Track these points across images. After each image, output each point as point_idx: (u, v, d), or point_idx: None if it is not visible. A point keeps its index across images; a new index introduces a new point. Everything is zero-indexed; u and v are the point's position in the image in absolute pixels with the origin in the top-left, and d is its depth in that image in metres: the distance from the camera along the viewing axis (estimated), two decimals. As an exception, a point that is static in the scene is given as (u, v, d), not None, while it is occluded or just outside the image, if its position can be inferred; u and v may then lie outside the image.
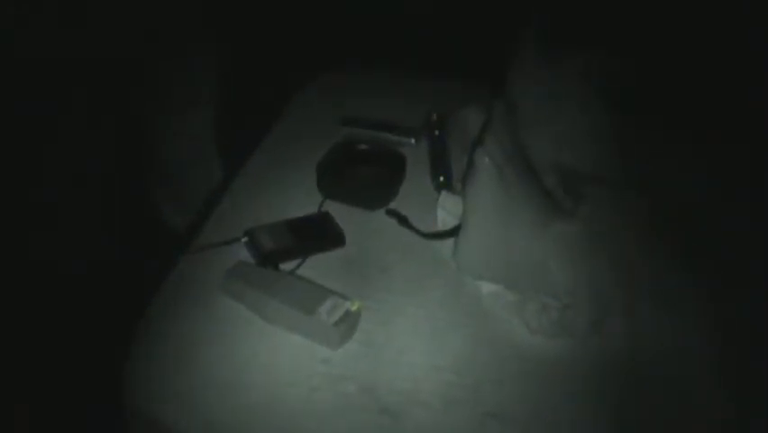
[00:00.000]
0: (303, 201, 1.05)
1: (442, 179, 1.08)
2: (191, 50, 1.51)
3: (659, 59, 1.00)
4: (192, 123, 1.60)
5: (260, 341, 0.84)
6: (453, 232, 0.96)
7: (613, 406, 0.78)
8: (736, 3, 1.04)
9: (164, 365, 0.82)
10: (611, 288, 0.85)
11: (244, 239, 0.96)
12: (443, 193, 1.04)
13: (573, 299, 0.85)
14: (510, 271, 0.89)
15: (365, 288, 0.91)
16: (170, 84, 1.51)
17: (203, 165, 1.63)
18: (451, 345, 0.85)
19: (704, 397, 0.77)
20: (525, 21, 1.01)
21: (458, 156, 1.07)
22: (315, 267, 0.94)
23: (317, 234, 0.99)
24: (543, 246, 0.86)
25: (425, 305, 0.90)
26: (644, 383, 0.80)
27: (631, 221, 0.89)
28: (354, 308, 0.84)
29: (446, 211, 1.01)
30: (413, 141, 1.19)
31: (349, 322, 0.83)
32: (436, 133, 1.17)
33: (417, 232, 1.01)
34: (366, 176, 1.08)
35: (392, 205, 1.06)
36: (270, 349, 0.83)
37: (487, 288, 0.91)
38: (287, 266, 0.94)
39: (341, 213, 1.03)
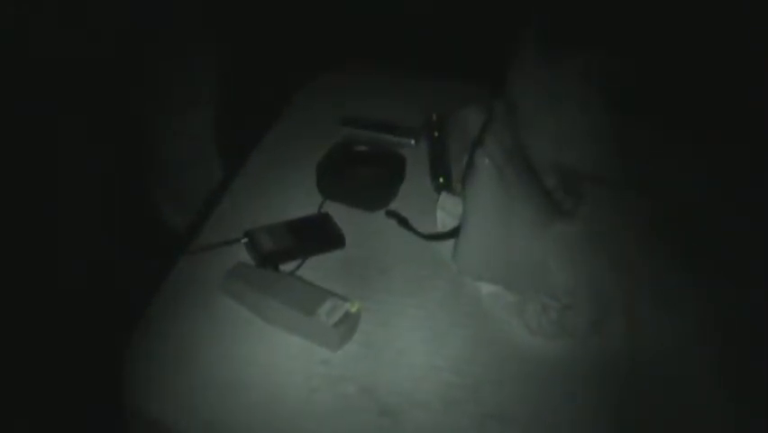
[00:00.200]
0: (303, 201, 1.05)
1: (441, 180, 1.08)
2: (191, 50, 1.51)
3: (659, 59, 1.00)
4: (192, 123, 1.60)
5: (260, 341, 0.84)
6: (453, 233, 0.96)
7: (613, 406, 0.78)
8: (735, 3, 1.04)
9: (164, 365, 0.82)
10: (611, 288, 0.85)
11: (244, 240, 0.96)
12: (443, 194, 1.04)
13: (573, 300, 0.85)
14: (510, 271, 0.89)
15: (365, 289, 0.91)
16: (170, 84, 1.51)
17: (203, 165, 1.62)
18: (450, 345, 0.85)
19: (704, 397, 0.77)
20: (525, 21, 1.01)
21: (458, 157, 1.07)
22: (315, 268, 0.94)
23: (317, 236, 0.99)
24: (543, 246, 0.86)
25: (425, 306, 0.90)
26: (644, 383, 0.80)
27: (631, 221, 0.89)
28: (354, 309, 0.84)
29: (446, 212, 1.01)
30: (413, 141, 1.19)
31: (349, 323, 0.83)
32: (436, 133, 1.17)
33: (417, 233, 1.01)
34: (366, 177, 1.08)
35: (392, 206, 1.06)
36: (270, 349, 0.83)
37: (486, 288, 0.91)
38: (286, 267, 0.94)
39: (340, 214, 1.02)
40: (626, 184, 0.93)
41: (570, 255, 0.86)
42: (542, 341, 0.86)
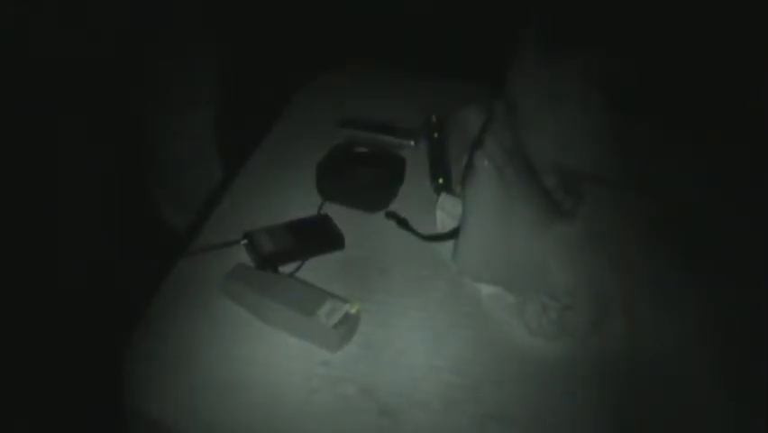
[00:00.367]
0: (303, 202, 1.05)
1: (441, 180, 1.08)
2: (191, 50, 1.51)
3: (659, 59, 1.00)
4: (192, 123, 1.60)
5: (260, 342, 0.84)
6: (453, 234, 0.96)
7: (613, 406, 0.78)
8: (735, 3, 1.04)
9: (164, 365, 0.82)
10: (611, 288, 0.85)
11: (244, 241, 0.96)
12: (443, 195, 1.04)
13: (573, 300, 0.85)
14: (510, 271, 0.89)
15: (364, 290, 0.91)
16: (170, 84, 1.51)
17: (203, 165, 1.62)
18: (450, 346, 0.85)
19: (704, 397, 0.77)
20: (525, 21, 1.01)
21: (457, 157, 1.07)
22: (315, 269, 0.94)
23: (317, 237, 0.99)
24: (543, 247, 0.86)
25: (425, 306, 0.90)
26: (644, 383, 0.80)
27: (631, 221, 0.89)
28: (354, 310, 0.84)
29: (446, 213, 1.01)
30: (412, 143, 1.19)
31: (348, 324, 0.83)
32: (435, 134, 1.17)
33: (417, 234, 1.01)
34: (365, 178, 1.08)
35: (392, 207, 1.05)
36: (270, 350, 0.83)
37: (486, 289, 0.91)
38: (286, 268, 0.94)
39: (340, 215, 1.02)
40: (626, 184, 0.93)
41: (570, 255, 0.86)
42: (542, 341, 0.86)
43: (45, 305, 1.34)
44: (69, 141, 1.37)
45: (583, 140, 0.96)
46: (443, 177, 1.09)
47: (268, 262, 0.93)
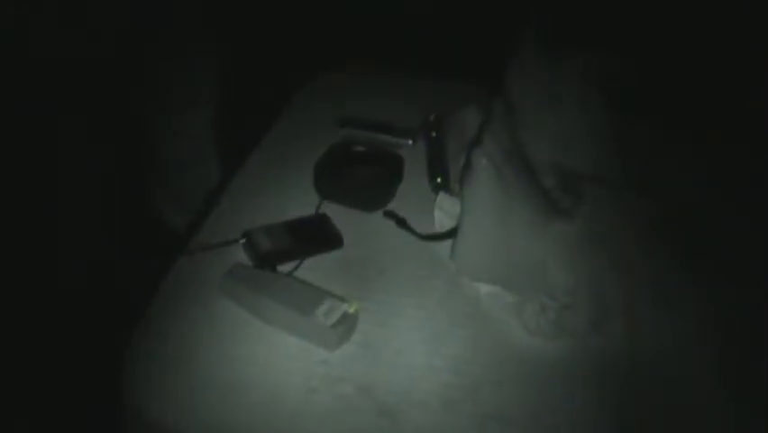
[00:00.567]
0: (302, 201, 1.05)
1: (439, 180, 1.08)
2: (191, 50, 1.51)
3: (659, 59, 1.00)
4: (192, 123, 1.60)
5: (260, 341, 0.84)
6: (451, 233, 0.96)
7: (613, 407, 0.78)
8: (735, 3, 1.04)
9: (164, 365, 0.82)
10: (611, 288, 0.85)
11: (242, 241, 0.96)
12: (441, 194, 1.04)
13: (573, 300, 0.85)
14: (508, 271, 0.89)
15: (363, 289, 0.91)
16: (170, 84, 1.51)
17: (203, 165, 1.62)
18: (449, 345, 0.85)
19: (704, 397, 0.77)
20: (525, 21, 1.01)
21: (455, 157, 1.07)
22: (313, 268, 0.94)
23: (315, 236, 0.99)
24: (541, 246, 0.86)
25: (424, 306, 0.90)
26: (644, 383, 0.80)
27: (631, 221, 0.89)
28: (352, 309, 0.84)
29: (444, 212, 1.01)
30: (410, 142, 1.19)
31: (347, 324, 0.83)
32: (434, 134, 1.17)
33: (415, 233, 1.01)
34: (364, 177, 1.08)
35: (390, 206, 1.06)
36: (269, 350, 0.83)
37: (485, 289, 0.91)
38: (285, 268, 0.94)
39: (338, 214, 1.02)
40: (626, 184, 0.93)
41: (569, 255, 0.86)
42: (541, 341, 0.85)
43: (45, 305, 1.34)
44: (69, 141, 1.37)
45: (583, 140, 0.96)
46: (442, 176, 1.08)
47: (266, 262, 0.93)
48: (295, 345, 0.83)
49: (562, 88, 0.97)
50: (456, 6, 1.81)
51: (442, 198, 1.03)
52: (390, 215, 1.04)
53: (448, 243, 0.96)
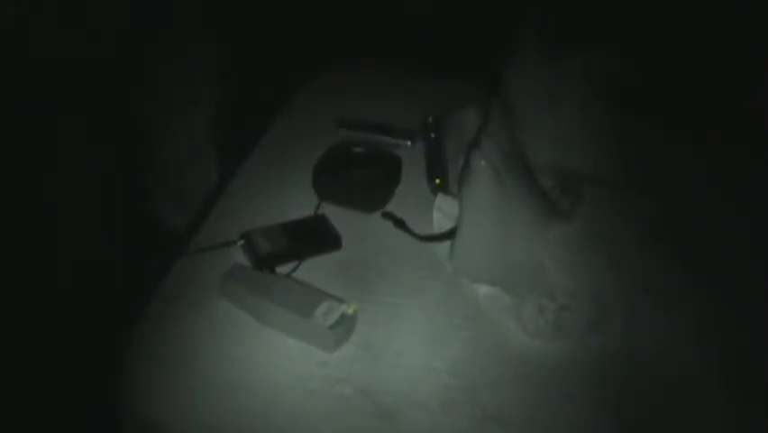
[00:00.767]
0: (302, 201, 1.05)
1: (438, 181, 1.08)
2: (191, 50, 1.51)
3: (659, 59, 1.00)
4: (192, 123, 1.60)
5: (260, 342, 0.84)
6: (450, 234, 0.96)
7: (612, 407, 0.78)
8: (735, 3, 1.04)
9: (164, 365, 0.82)
10: (611, 288, 0.85)
11: (241, 242, 0.96)
12: (440, 195, 1.03)
13: (572, 300, 0.85)
14: (508, 272, 0.89)
15: (362, 290, 0.91)
16: (170, 84, 1.51)
17: (203, 165, 1.63)
18: (448, 347, 0.85)
19: (704, 397, 0.77)
20: (525, 21, 1.01)
21: (454, 158, 1.07)
22: (312, 270, 0.94)
23: (314, 237, 0.99)
24: (540, 248, 0.86)
25: (422, 307, 0.90)
26: (644, 383, 0.80)
27: (631, 221, 0.89)
28: (351, 310, 0.84)
29: (442, 213, 1.00)
30: (409, 143, 1.19)
31: (345, 325, 0.83)
32: (432, 135, 1.17)
33: (414, 234, 1.00)
34: (362, 178, 1.08)
35: (388, 207, 1.05)
36: (269, 350, 0.83)
37: (484, 290, 0.91)
38: (283, 269, 0.94)
39: (337, 215, 1.02)
40: (626, 184, 0.93)
41: (568, 256, 0.86)
42: (540, 343, 0.85)
43: (45, 305, 1.34)
44: (69, 141, 1.37)
45: (583, 140, 0.96)
46: (440, 177, 1.08)
47: (265, 263, 0.93)
48: (295, 345, 0.83)
49: (562, 88, 0.97)
50: (456, 6, 1.81)
51: (440, 199, 1.02)
52: (389, 216, 1.04)
53: (447, 244, 0.96)
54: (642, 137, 0.97)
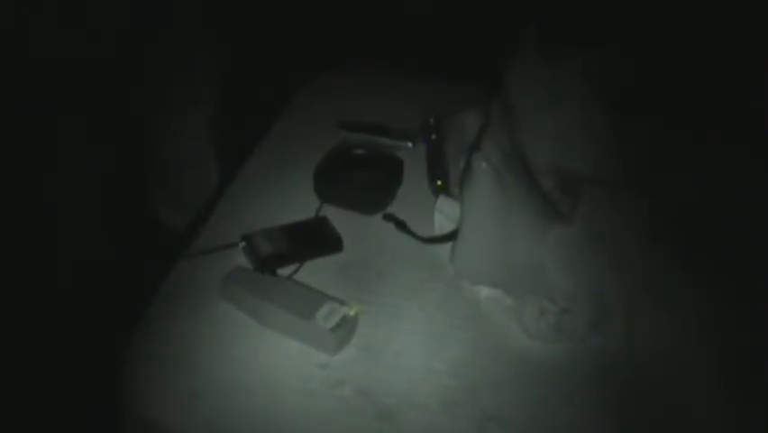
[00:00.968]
0: (302, 202, 1.05)
1: (439, 182, 1.08)
2: (191, 50, 1.51)
3: (659, 59, 1.00)
4: (192, 123, 1.60)
5: (260, 343, 0.84)
6: (451, 236, 0.96)
7: (612, 408, 0.78)
8: (735, 3, 1.04)
9: (164, 366, 0.82)
10: (611, 288, 0.85)
11: (242, 244, 0.95)
12: (441, 197, 1.03)
13: (573, 302, 0.85)
14: (509, 274, 0.88)
15: (363, 292, 0.91)
16: (170, 84, 1.51)
17: (203, 165, 1.63)
18: (449, 348, 0.85)
19: (704, 397, 0.77)
20: (525, 21, 1.01)
21: (455, 159, 1.07)
22: (313, 272, 0.94)
23: (315, 239, 0.99)
24: (541, 249, 0.86)
25: (423, 309, 0.90)
26: (644, 383, 0.80)
27: (631, 221, 0.89)
28: (352, 312, 0.84)
29: (444, 215, 1.00)
30: (410, 144, 1.19)
31: (347, 327, 0.83)
32: (433, 136, 1.17)
33: (415, 236, 1.00)
34: (363, 180, 1.08)
35: (390, 209, 1.05)
36: (270, 351, 0.83)
37: (485, 292, 0.91)
38: (284, 271, 0.94)
39: (338, 217, 1.02)
40: (626, 184, 0.93)
41: (569, 257, 0.86)
42: (540, 344, 0.85)
43: (45, 305, 1.34)
44: (69, 141, 1.37)
45: (583, 140, 0.96)
46: (442, 179, 1.08)
47: (266, 265, 0.93)
48: (295, 346, 0.83)
49: (562, 88, 0.97)
50: (456, 6, 1.81)
51: (442, 201, 1.02)
52: (390, 218, 1.03)
53: (448, 245, 0.96)
54: (642, 137, 0.97)
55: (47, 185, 1.37)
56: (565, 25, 1.01)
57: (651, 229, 0.89)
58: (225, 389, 0.79)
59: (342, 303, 0.84)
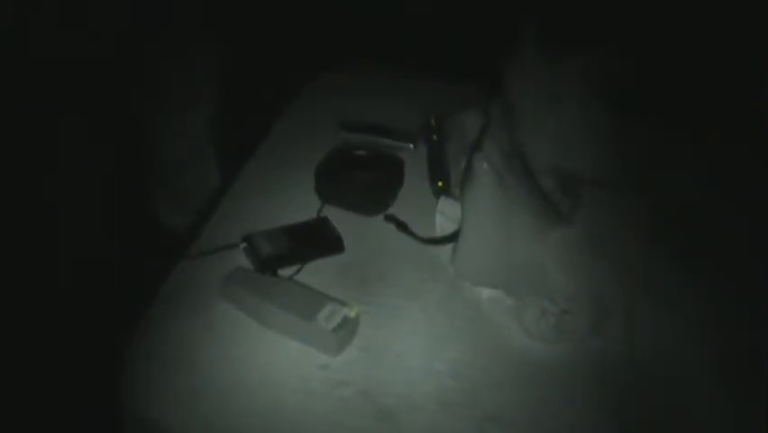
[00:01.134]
0: (303, 202, 1.05)
1: (440, 183, 1.08)
2: (191, 50, 1.51)
3: (659, 59, 1.00)
4: (192, 123, 1.60)
5: (260, 343, 0.84)
6: (452, 237, 0.96)
7: (612, 408, 0.78)
8: (735, 3, 1.04)
9: (164, 366, 0.82)
10: (611, 289, 0.85)
11: (243, 245, 0.95)
12: (442, 198, 1.03)
13: (573, 303, 0.85)
14: (509, 275, 0.88)
15: (364, 293, 0.91)
16: (170, 84, 1.51)
17: (203, 165, 1.62)
18: (449, 349, 0.85)
19: (704, 397, 0.77)
20: (525, 21, 1.01)
21: (456, 160, 1.07)
22: (314, 273, 0.94)
23: (316, 240, 0.99)
24: (542, 250, 0.86)
25: (424, 309, 0.90)
26: (644, 384, 0.80)
27: (631, 221, 0.89)
28: (353, 313, 0.84)
29: (445, 216, 1.00)
30: (411, 145, 1.19)
31: (348, 328, 0.83)
32: (434, 137, 1.17)
33: (416, 237, 1.00)
34: (364, 181, 1.08)
35: (391, 210, 1.05)
36: (270, 351, 0.83)
37: (486, 293, 0.91)
38: (285, 272, 0.94)
39: (339, 218, 1.02)
40: (626, 184, 0.93)
41: (569, 258, 0.86)
42: (541, 345, 0.85)
43: (45, 305, 1.34)
44: (69, 141, 1.37)
45: (583, 140, 0.96)
46: (443, 180, 1.08)
47: (267, 266, 0.93)
48: (295, 346, 0.83)
49: (562, 88, 0.97)
50: (456, 6, 1.81)
51: (443, 201, 1.02)
52: (391, 218, 1.03)
53: (448, 246, 0.96)
54: (642, 137, 0.97)
55: (47, 185, 1.37)
56: (565, 25, 1.01)
57: (651, 229, 0.89)
58: (225, 389, 0.79)
59: (344, 304, 0.84)
